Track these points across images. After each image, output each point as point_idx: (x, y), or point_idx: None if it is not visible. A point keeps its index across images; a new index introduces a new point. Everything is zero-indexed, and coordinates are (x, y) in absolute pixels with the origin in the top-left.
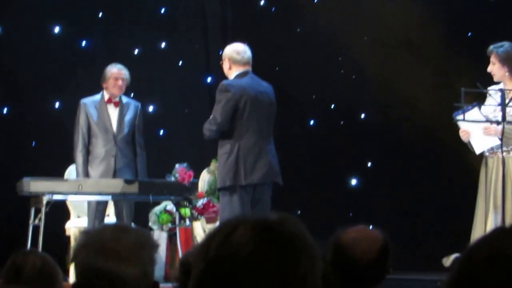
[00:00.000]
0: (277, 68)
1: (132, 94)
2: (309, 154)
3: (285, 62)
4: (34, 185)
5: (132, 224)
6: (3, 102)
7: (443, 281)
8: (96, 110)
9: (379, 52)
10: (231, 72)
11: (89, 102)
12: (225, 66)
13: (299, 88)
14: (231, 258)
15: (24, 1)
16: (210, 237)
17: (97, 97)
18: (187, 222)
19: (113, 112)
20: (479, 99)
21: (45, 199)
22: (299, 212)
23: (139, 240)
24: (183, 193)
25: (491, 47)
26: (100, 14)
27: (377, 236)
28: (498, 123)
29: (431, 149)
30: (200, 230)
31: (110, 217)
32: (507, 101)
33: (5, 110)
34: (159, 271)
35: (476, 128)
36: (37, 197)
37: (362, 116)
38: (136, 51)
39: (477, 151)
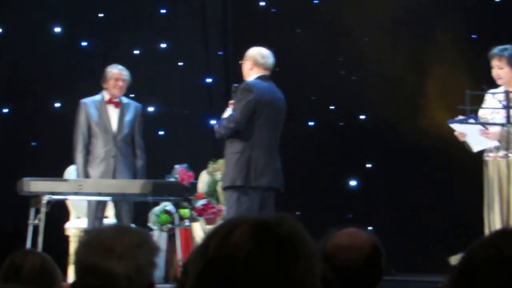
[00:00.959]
0: (276, 69)
1: (132, 95)
2: (308, 155)
3: (284, 63)
4: (34, 185)
5: (132, 225)
6: (3, 102)
7: (443, 282)
8: (96, 110)
9: (379, 53)
10: (251, 74)
11: (89, 103)
12: (246, 66)
13: (299, 89)
14: (229, 258)
15: (25, 2)
16: (209, 237)
17: (98, 97)
18: (187, 222)
19: (113, 113)
20: (482, 102)
21: (45, 199)
22: (298, 213)
23: (137, 241)
24: (183, 194)
25: (495, 50)
26: (101, 15)
27: (362, 242)
28: (502, 125)
29: (430, 150)
30: (199, 230)
31: (110, 218)
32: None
33: (5, 110)
34: (158, 271)
35: (472, 130)
36: (37, 197)
37: (362, 117)
38: (136, 52)
39: (475, 149)
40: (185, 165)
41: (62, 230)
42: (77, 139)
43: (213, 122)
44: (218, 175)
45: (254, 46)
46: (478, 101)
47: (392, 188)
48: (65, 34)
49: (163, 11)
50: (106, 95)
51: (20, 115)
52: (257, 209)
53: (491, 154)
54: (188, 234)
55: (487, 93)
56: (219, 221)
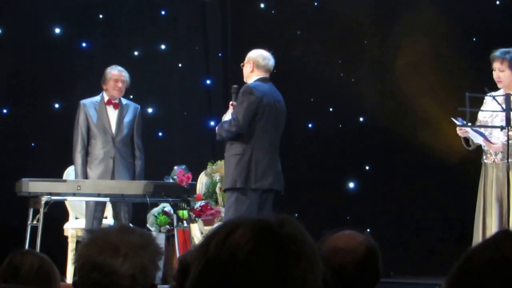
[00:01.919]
0: (275, 71)
1: (131, 96)
2: (307, 157)
3: (283, 65)
4: (33, 185)
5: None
6: (3, 103)
7: (442, 284)
8: (95, 111)
9: (379, 55)
10: (252, 76)
11: (88, 103)
12: (247, 68)
13: (298, 91)
14: (230, 257)
15: (25, 3)
16: (210, 237)
17: (97, 98)
18: (185, 224)
19: (113, 114)
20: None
21: (43, 199)
22: (296, 215)
23: (142, 241)
24: (181, 195)
25: (497, 53)
26: (101, 16)
27: (357, 244)
28: (502, 128)
29: (431, 153)
30: (198, 232)
31: (108, 219)
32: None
33: (5, 111)
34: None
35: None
36: (36, 197)
37: (361, 119)
38: (136, 53)
39: (476, 141)
40: (183, 167)
41: (61, 230)
42: (76, 140)
43: (212, 123)
44: (217, 177)
45: (253, 48)
46: (478, 104)
47: (391, 191)
48: (65, 35)
49: (162, 12)
50: (105, 96)
51: (19, 116)
52: (256, 210)
53: (490, 157)
54: (186, 235)
55: (487, 95)
56: (217, 223)
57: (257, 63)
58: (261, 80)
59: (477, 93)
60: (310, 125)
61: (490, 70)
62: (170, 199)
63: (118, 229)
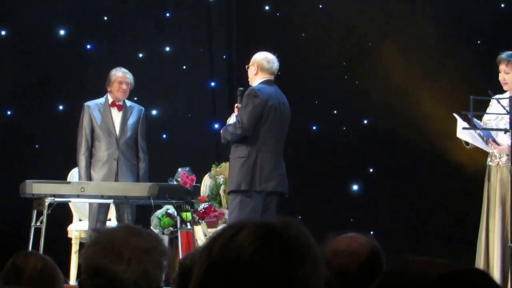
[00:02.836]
0: (279, 73)
1: (135, 98)
2: (311, 159)
3: (288, 67)
4: (37, 187)
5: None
6: (7, 105)
7: None
8: (99, 113)
9: (383, 58)
10: (256, 78)
11: (93, 105)
12: (252, 71)
13: (302, 93)
14: (233, 259)
15: (29, 4)
16: (214, 239)
17: (101, 100)
18: (188, 226)
19: (117, 116)
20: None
21: (47, 201)
22: (300, 217)
23: (147, 245)
24: (185, 197)
25: (503, 55)
26: (105, 18)
27: (360, 246)
28: (506, 131)
29: (434, 155)
30: (201, 234)
31: (112, 221)
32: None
33: (9, 112)
34: None
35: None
36: (39, 199)
37: (365, 122)
38: (140, 55)
39: (476, 144)
40: (187, 169)
41: (64, 232)
42: (80, 141)
43: (216, 125)
44: (221, 179)
45: (258, 50)
46: (483, 107)
47: (395, 193)
48: (70, 37)
49: (167, 14)
50: (109, 98)
51: (23, 118)
52: (260, 213)
53: (494, 160)
54: (190, 237)
55: (492, 98)
56: (220, 225)
57: (261, 66)
58: (265, 82)
59: (482, 96)
60: (314, 128)
61: (495, 73)
62: (173, 201)
63: (124, 231)
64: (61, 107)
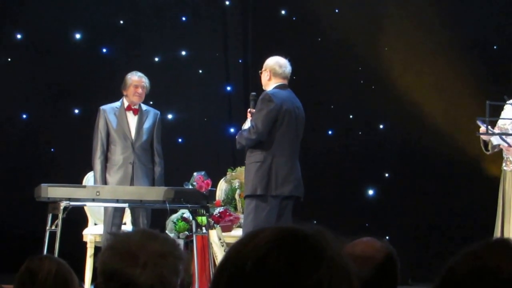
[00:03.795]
0: (295, 77)
1: (151, 102)
2: (327, 164)
3: (304, 72)
4: (52, 191)
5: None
6: (23, 108)
7: None
8: (115, 117)
9: (399, 62)
10: (270, 84)
11: (108, 109)
12: (265, 76)
13: (318, 98)
14: (245, 257)
15: (45, 8)
16: (239, 240)
17: (117, 104)
18: (204, 230)
19: (132, 120)
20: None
21: (62, 205)
22: (315, 222)
23: (163, 250)
24: (200, 201)
25: None
26: (121, 22)
27: (375, 251)
28: None
29: (450, 160)
30: (216, 238)
31: (127, 225)
32: None
33: (24, 116)
34: None
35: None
36: (55, 203)
37: (381, 126)
38: (156, 59)
39: (496, 142)
40: (203, 173)
41: (79, 236)
42: (95, 145)
43: (232, 130)
44: (236, 183)
45: (274, 54)
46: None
47: (410, 198)
48: (86, 41)
49: (183, 18)
50: (125, 101)
51: (39, 121)
52: (275, 217)
53: (509, 164)
54: (205, 241)
55: (507, 103)
56: (235, 229)
57: (274, 71)
58: (279, 87)
59: (498, 101)
60: (330, 132)
61: (509, 78)
62: (189, 205)
63: (140, 235)
64: (76, 111)
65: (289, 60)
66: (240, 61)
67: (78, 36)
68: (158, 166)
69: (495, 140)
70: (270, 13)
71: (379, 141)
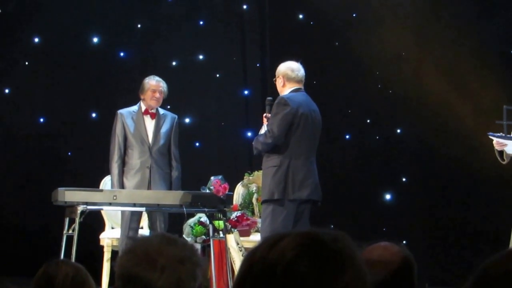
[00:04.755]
0: (314, 82)
1: (168, 106)
2: (344, 168)
3: (321, 76)
4: (69, 195)
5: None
6: (40, 112)
7: None
8: (132, 121)
9: (416, 67)
10: (285, 89)
11: (126, 113)
12: (279, 83)
13: (336, 102)
14: (273, 262)
15: (63, 11)
16: (259, 244)
17: (134, 108)
18: (221, 234)
19: (150, 124)
20: None
21: (79, 209)
22: (332, 226)
23: (181, 254)
24: (218, 206)
25: None
26: (139, 26)
27: (392, 256)
28: None
29: (468, 165)
30: (233, 242)
31: (144, 229)
32: None
33: (42, 120)
34: None
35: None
36: (72, 207)
37: (398, 131)
38: (173, 63)
39: (509, 151)
40: (220, 177)
41: (97, 240)
42: (113, 149)
43: (249, 134)
44: (253, 187)
45: (291, 58)
46: None
47: (428, 202)
48: (103, 44)
49: (201, 22)
50: (143, 106)
51: (56, 125)
52: (292, 221)
53: None
54: (222, 245)
55: None
56: (253, 233)
57: (287, 76)
58: (295, 91)
59: None
60: (347, 136)
61: None
62: (206, 210)
63: (159, 240)
64: (94, 115)
65: (306, 64)
66: (257, 65)
67: (95, 39)
68: (175, 170)
69: (510, 148)
70: (287, 17)
71: (396, 146)
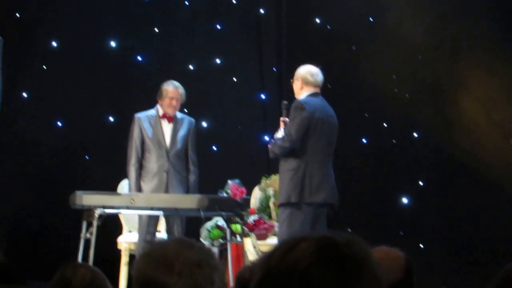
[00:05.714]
0: (329, 86)
1: (186, 110)
2: (361, 172)
3: (338, 80)
4: (87, 198)
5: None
6: (58, 116)
7: None
8: (150, 125)
9: (434, 70)
10: (302, 92)
11: (143, 117)
12: (297, 85)
13: (352, 106)
14: (290, 269)
15: (81, 16)
16: (273, 249)
17: (152, 112)
18: (238, 238)
19: (167, 128)
20: None
21: (97, 212)
22: (349, 229)
23: (198, 258)
24: (235, 209)
25: None
26: (156, 30)
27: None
28: None
29: (485, 169)
30: (251, 246)
31: (161, 233)
32: None
33: (59, 123)
34: None
35: None
36: (89, 210)
37: (415, 135)
38: (190, 67)
39: None
40: (237, 181)
41: (114, 244)
42: (130, 153)
43: (266, 138)
44: (271, 191)
45: (308, 62)
46: None
47: (445, 206)
48: (120, 49)
49: (218, 26)
50: (160, 110)
51: (74, 129)
52: (310, 225)
53: None
54: (239, 249)
55: None
56: (270, 237)
57: (305, 80)
58: (312, 95)
59: None
60: (364, 140)
61: None
62: (223, 213)
63: (177, 244)
64: (111, 119)
65: (323, 68)
66: (274, 69)
67: (113, 44)
68: (193, 174)
69: None
70: (304, 21)
71: (413, 150)
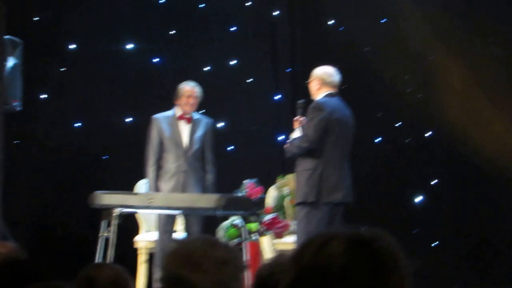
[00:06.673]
0: (345, 86)
1: (202, 111)
2: (375, 171)
3: (352, 80)
4: (106, 198)
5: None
6: (76, 117)
7: None
8: (168, 125)
9: (445, 71)
10: (319, 93)
11: (161, 118)
12: (314, 86)
13: (366, 106)
14: (324, 267)
15: (98, 18)
16: (303, 247)
17: (169, 113)
18: (254, 236)
19: (185, 128)
20: None
21: (115, 212)
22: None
23: (224, 257)
24: (251, 209)
25: None
26: (172, 32)
27: None
28: None
29: (499, 167)
30: (267, 245)
31: (179, 232)
32: None
33: (78, 124)
34: None
35: None
36: (108, 209)
37: (428, 134)
38: (206, 68)
39: None
40: (253, 180)
41: (131, 243)
42: (149, 154)
43: (281, 138)
44: (286, 190)
45: (322, 63)
46: None
47: (458, 205)
48: (137, 51)
49: (233, 29)
50: (178, 111)
51: (92, 130)
52: (326, 224)
53: None
54: (256, 248)
55: None
56: (286, 236)
57: (323, 80)
58: (329, 95)
59: None
60: (377, 140)
61: None
62: (240, 212)
63: (203, 242)
64: (129, 119)
65: (337, 69)
66: (288, 70)
67: (130, 46)
68: (210, 174)
69: None
70: (318, 23)
71: (427, 149)
